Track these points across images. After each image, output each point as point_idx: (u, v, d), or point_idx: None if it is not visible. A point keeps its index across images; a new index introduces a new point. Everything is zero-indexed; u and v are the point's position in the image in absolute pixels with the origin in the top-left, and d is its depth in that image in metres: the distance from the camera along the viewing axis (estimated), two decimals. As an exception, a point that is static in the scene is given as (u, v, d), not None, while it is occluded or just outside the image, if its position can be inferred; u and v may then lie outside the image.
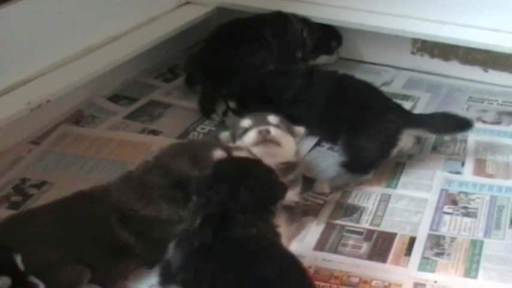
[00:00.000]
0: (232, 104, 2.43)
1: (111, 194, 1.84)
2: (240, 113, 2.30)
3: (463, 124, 2.26)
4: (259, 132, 1.94)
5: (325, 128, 2.29)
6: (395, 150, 2.22)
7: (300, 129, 2.08)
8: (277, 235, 1.67)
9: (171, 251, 1.63)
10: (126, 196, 1.83)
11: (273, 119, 2.00)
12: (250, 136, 1.94)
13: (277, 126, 1.98)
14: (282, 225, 1.79)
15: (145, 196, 1.82)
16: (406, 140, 2.24)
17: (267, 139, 1.94)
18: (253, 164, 1.72)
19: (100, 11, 2.66)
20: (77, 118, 2.60)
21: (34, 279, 1.53)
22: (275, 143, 1.95)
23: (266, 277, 1.51)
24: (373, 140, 2.19)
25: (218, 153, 1.80)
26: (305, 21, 2.83)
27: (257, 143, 1.93)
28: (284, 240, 1.75)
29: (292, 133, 2.03)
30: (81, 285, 1.71)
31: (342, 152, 2.22)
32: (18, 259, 1.52)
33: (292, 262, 1.61)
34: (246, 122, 1.99)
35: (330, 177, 2.23)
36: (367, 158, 2.20)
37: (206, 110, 2.59)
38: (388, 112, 2.24)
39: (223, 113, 2.52)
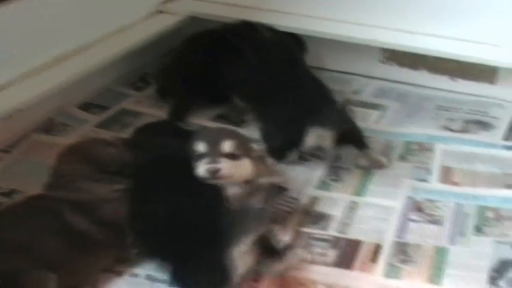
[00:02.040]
0: None
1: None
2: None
3: None
4: (208, 170, 1.88)
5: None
6: None
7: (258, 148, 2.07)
8: None
9: None
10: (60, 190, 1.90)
11: (227, 145, 1.91)
12: (201, 170, 1.88)
13: (231, 155, 1.90)
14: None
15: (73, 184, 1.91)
16: None
17: (216, 176, 1.89)
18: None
19: (71, 19, 2.66)
20: (48, 127, 2.59)
21: None
22: (226, 177, 1.91)
23: None
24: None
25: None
26: (272, 30, 2.83)
27: (208, 179, 1.88)
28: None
29: (249, 154, 1.97)
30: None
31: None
32: None
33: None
34: (200, 146, 1.91)
35: None
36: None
37: (176, 119, 2.60)
38: None
39: None
